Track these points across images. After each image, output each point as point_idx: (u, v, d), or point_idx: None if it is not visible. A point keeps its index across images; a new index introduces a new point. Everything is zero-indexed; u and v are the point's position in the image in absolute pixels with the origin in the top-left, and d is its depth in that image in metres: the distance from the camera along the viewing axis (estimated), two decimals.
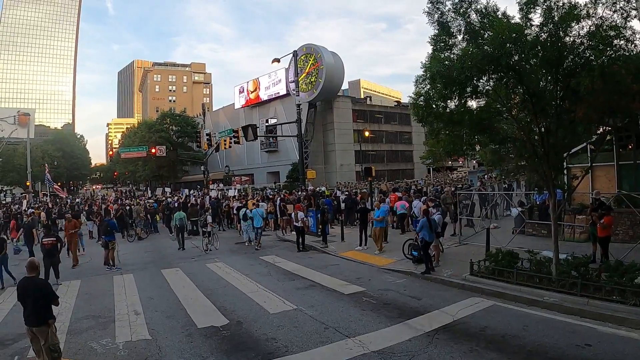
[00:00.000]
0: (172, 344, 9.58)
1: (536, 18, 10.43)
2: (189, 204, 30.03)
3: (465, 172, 63.49)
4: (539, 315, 10.16)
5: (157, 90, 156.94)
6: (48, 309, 7.70)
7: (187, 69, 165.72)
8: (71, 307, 12.73)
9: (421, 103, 12.02)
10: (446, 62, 11.19)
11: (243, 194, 39.94)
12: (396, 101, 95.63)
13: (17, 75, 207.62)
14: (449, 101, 11.88)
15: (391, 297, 12.36)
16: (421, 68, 11.80)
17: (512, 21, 10.55)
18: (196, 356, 8.88)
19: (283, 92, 68.83)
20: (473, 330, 9.42)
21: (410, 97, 12.62)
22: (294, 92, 34.75)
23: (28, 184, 64.51)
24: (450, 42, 11.49)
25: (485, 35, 10.70)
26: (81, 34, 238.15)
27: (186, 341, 9.70)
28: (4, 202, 54.20)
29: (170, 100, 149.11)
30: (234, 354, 8.89)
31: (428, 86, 11.70)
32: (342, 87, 73.01)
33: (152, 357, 8.94)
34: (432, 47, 11.77)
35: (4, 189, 69.77)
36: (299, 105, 31.70)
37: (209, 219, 23.98)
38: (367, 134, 62.65)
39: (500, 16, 10.65)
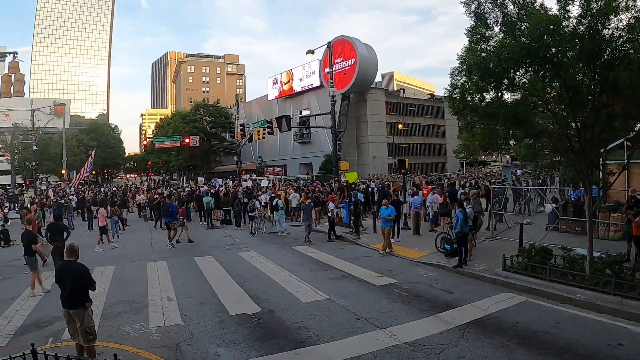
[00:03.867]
0: (204, 329, 9.72)
1: (574, 10, 10.23)
2: (221, 194, 30.26)
3: (498, 167, 62.57)
4: (571, 312, 10.02)
5: (190, 81, 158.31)
6: (85, 293, 7.83)
7: (220, 60, 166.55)
8: (105, 292, 12.97)
9: (456, 95, 11.91)
10: (483, 54, 11.05)
11: (270, 185, 40.10)
12: (429, 94, 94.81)
13: (53, 67, 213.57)
14: (484, 94, 11.74)
15: (423, 289, 12.32)
16: (457, 60, 11.68)
17: (550, 13, 10.36)
18: (228, 342, 9.00)
19: (316, 83, 68.85)
20: (504, 326, 9.34)
21: (446, 89, 12.50)
22: (329, 84, 34.62)
23: (63, 172, 65.73)
24: (487, 34, 11.34)
25: (523, 27, 10.54)
26: (115, 27, 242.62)
27: (218, 327, 9.82)
28: (38, 189, 55.43)
29: (203, 91, 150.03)
30: (266, 341, 8.98)
31: (464, 78, 11.58)
32: (376, 80, 72.60)
33: (184, 342, 9.08)
34: (468, 38, 11.64)
35: (40, 177, 71.04)
36: (333, 97, 31.58)
37: (257, 204, 24.55)
38: (400, 126, 62.30)
39: (537, 8, 10.47)
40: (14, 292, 13.60)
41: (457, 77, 11.75)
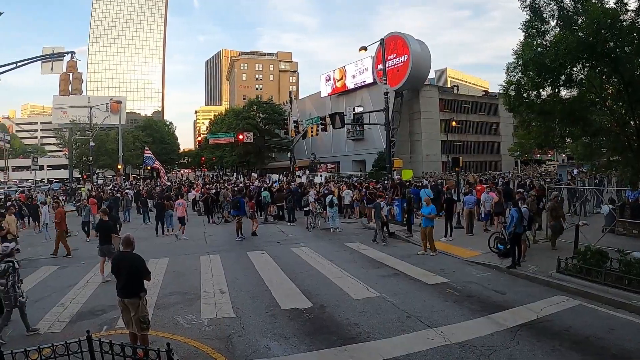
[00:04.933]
0: (255, 323, 9.88)
1: (632, 3, 9.92)
2: (274, 190, 30.54)
3: (554, 166, 60.95)
4: (626, 318, 9.70)
5: (244, 78, 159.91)
6: (140, 283, 8.08)
7: (273, 57, 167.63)
8: (159, 283, 13.34)
9: (512, 92, 11.71)
10: (539, 49, 10.82)
11: (323, 181, 40.22)
12: (484, 91, 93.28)
13: (109, 66, 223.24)
14: (541, 90, 11.51)
15: (475, 289, 12.17)
16: (512, 55, 11.51)
17: (607, 6, 10.06)
18: (279, 336, 9.12)
19: (369, 80, 68.41)
20: (557, 329, 9.13)
21: (501, 85, 12.32)
22: (382, 81, 34.41)
23: (119, 167, 67.55)
24: (543, 28, 11.13)
25: (579, 21, 10.29)
26: (169, 27, 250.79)
27: (269, 321, 9.96)
28: (95, 183, 57.30)
29: (257, 89, 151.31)
30: (316, 336, 9.07)
31: (519, 74, 11.38)
32: (429, 76, 71.74)
33: (235, 334, 9.25)
34: (523, 33, 11.44)
35: (96, 172, 73.34)
36: (386, 93, 31.29)
37: (311, 199, 24.86)
38: (454, 123, 61.42)
39: (594, 1, 10.19)
40: (71, 281, 14.20)
41: (513, 73, 11.57)
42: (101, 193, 36.06)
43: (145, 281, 8.24)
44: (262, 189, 31.04)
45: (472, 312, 10.29)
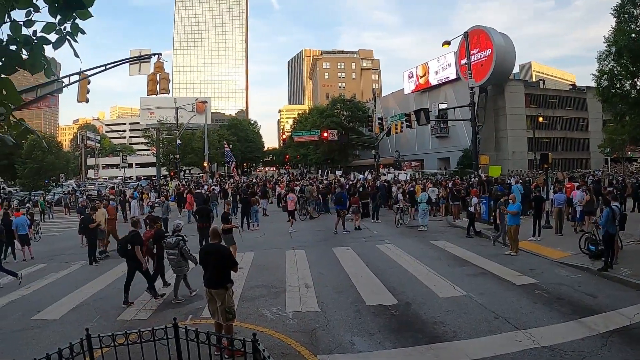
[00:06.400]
0: (340, 317, 9.95)
1: None
2: (359, 188, 30.65)
3: None
4: None
5: (326, 77, 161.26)
6: (227, 274, 8.29)
7: (355, 56, 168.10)
8: (245, 276, 13.75)
9: (605, 82, 11.24)
10: (632, 35, 10.33)
11: (407, 178, 39.95)
12: (571, 84, 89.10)
13: (193, 68, 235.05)
14: (635, 79, 10.99)
15: (565, 292, 11.70)
16: (604, 43, 11.03)
17: None
18: (363, 332, 9.15)
19: (453, 76, 67.30)
20: None
21: (593, 74, 11.86)
22: (467, 75, 33.78)
23: (205, 164, 69.61)
24: (636, 13, 10.60)
25: None
26: (250, 28, 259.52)
27: (354, 317, 10.01)
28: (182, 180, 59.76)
29: (339, 87, 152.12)
30: (401, 333, 9.04)
31: (612, 63, 10.90)
32: (513, 71, 69.64)
33: (320, 328, 9.36)
34: (615, 18, 10.97)
35: (183, 169, 76.15)
36: (472, 88, 30.66)
37: (400, 196, 25.00)
38: (541, 119, 59.37)
39: None
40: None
41: (605, 62, 11.09)
42: (193, 189, 37.45)
43: (232, 272, 8.44)
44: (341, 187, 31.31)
45: (561, 315, 9.92)
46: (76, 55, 4.58)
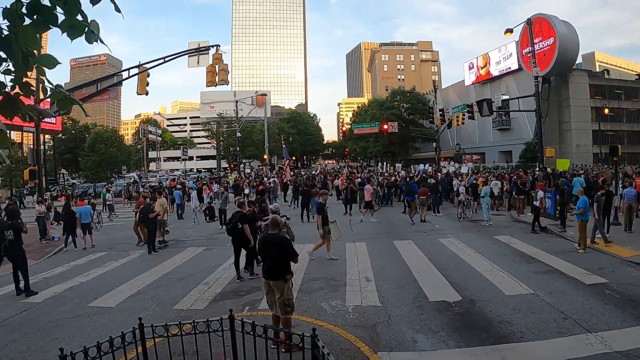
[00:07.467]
0: (401, 313, 9.63)
1: None
2: (419, 180, 30.27)
3: None
4: None
5: (385, 69, 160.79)
6: (287, 265, 8.06)
7: (413, 47, 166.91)
8: (304, 268, 13.58)
9: None
10: None
11: (469, 172, 39.23)
12: (637, 75, 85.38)
13: (252, 62, 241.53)
14: None
15: (637, 293, 10.87)
16: None
17: None
18: (425, 329, 8.80)
19: (515, 66, 65.84)
20: None
21: None
22: (530, 64, 32.76)
23: (265, 157, 70.39)
24: None
25: None
26: (307, 22, 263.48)
27: (416, 313, 9.66)
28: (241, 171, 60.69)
29: (399, 79, 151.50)
30: (466, 332, 8.62)
31: None
32: (576, 61, 67.28)
33: (381, 323, 9.06)
34: None
35: (243, 161, 77.24)
36: (536, 77, 29.65)
37: (462, 189, 24.78)
38: (606, 111, 57.21)
39: None
40: (216, 262, 15.15)
41: None
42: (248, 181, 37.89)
43: (292, 263, 8.23)
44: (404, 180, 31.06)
45: (634, 317, 9.20)
46: (117, 9, 4.08)
